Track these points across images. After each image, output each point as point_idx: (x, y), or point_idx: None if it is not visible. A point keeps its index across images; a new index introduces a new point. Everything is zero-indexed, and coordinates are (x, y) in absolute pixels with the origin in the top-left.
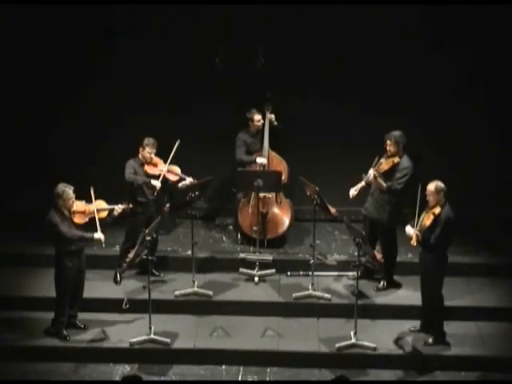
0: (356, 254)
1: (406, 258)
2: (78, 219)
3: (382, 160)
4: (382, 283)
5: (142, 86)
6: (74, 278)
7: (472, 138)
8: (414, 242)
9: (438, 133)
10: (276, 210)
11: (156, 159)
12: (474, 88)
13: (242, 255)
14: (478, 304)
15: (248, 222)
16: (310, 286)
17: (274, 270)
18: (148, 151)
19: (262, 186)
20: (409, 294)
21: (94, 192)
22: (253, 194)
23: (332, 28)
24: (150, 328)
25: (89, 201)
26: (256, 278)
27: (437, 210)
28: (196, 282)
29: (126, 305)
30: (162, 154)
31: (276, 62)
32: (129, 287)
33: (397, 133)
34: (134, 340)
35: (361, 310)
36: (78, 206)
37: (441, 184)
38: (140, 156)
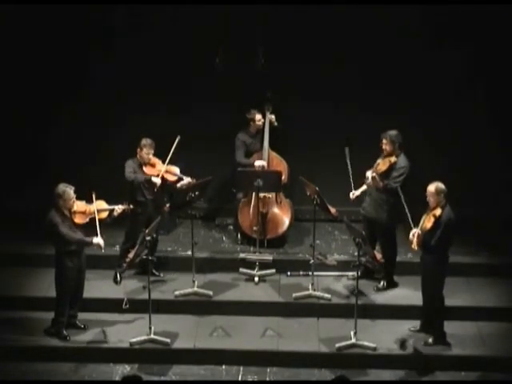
0: (356, 254)
1: (406, 258)
2: (78, 219)
3: (379, 160)
4: (382, 283)
5: (142, 86)
6: (74, 278)
7: (472, 138)
8: (415, 246)
9: (438, 133)
10: (276, 209)
11: (154, 160)
12: (474, 88)
13: (242, 255)
14: (478, 304)
15: (248, 222)
16: (310, 286)
17: (274, 270)
18: (146, 152)
19: (262, 186)
20: (409, 294)
21: (95, 194)
22: (253, 194)
23: (332, 28)
24: (150, 328)
25: (89, 201)
26: (256, 278)
27: (437, 212)
28: (196, 282)
29: (126, 305)
30: (162, 154)
31: (276, 62)
32: (129, 287)
33: (393, 132)
34: (133, 340)
35: (361, 310)
36: (79, 206)
37: (441, 185)
38: (138, 157)
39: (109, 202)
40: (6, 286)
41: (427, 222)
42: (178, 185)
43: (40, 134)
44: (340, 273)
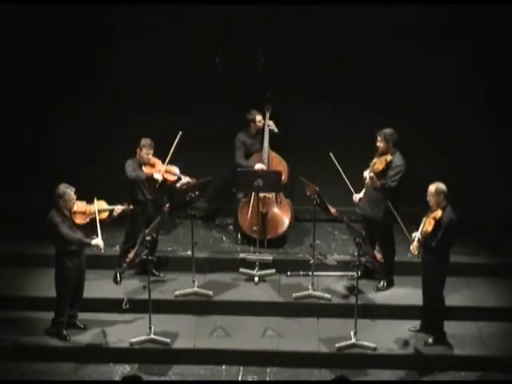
0: (356, 253)
1: (406, 258)
2: (78, 220)
3: (375, 160)
4: (382, 283)
5: (142, 86)
6: (74, 278)
7: (472, 138)
8: (414, 251)
9: (438, 133)
10: (276, 210)
11: (154, 160)
12: (474, 88)
13: (242, 255)
14: (478, 304)
15: (248, 222)
16: (310, 286)
17: (274, 270)
18: (145, 152)
19: (261, 185)
20: (409, 294)
21: (96, 196)
22: (253, 194)
23: (332, 28)
24: (150, 328)
25: (89, 201)
26: (256, 278)
27: (437, 215)
28: (196, 282)
29: (126, 305)
30: (162, 154)
31: (276, 62)
32: (129, 287)
33: (387, 130)
34: (133, 340)
35: (361, 310)
36: (79, 206)
37: (442, 186)
38: (137, 157)
39: (109, 202)
40: (6, 286)
41: (428, 225)
42: (178, 184)
43: (40, 133)
44: (340, 273)
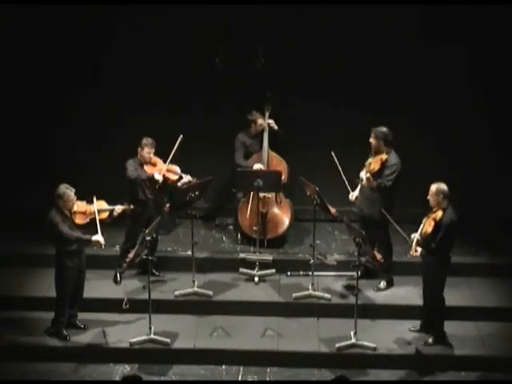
0: (356, 253)
1: (406, 258)
2: (78, 220)
3: (370, 159)
4: (382, 283)
5: (142, 86)
6: (74, 278)
7: (472, 138)
8: (413, 252)
9: (438, 133)
10: (276, 210)
11: (155, 159)
12: (474, 88)
13: (242, 255)
14: (478, 304)
15: (248, 222)
16: (310, 286)
17: (274, 270)
18: (147, 151)
19: (262, 185)
20: (409, 294)
21: (96, 196)
22: (253, 194)
23: (332, 28)
24: (150, 328)
25: (90, 201)
26: (256, 278)
27: (438, 216)
28: (196, 282)
29: (126, 305)
30: (162, 154)
31: (276, 62)
32: (129, 287)
33: (380, 128)
34: (133, 340)
35: (361, 310)
36: (79, 206)
37: (443, 186)
38: (139, 156)
39: (109, 202)
40: (6, 286)
41: (427, 226)
42: (179, 183)
43: (40, 133)
44: (340, 273)
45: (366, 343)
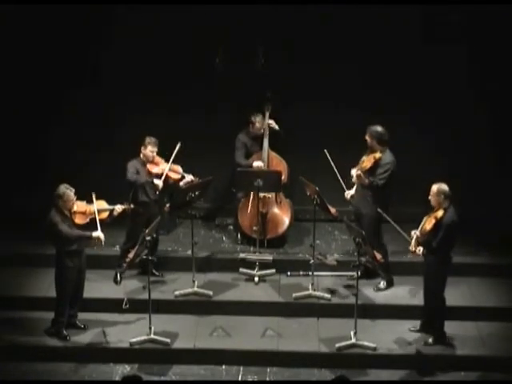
0: (356, 253)
1: (406, 258)
2: (78, 220)
3: (364, 157)
4: (381, 283)
5: (142, 86)
6: (74, 278)
7: (472, 138)
8: (412, 248)
9: (438, 133)
10: (276, 210)
11: (157, 158)
12: (474, 88)
13: (242, 255)
14: (478, 304)
15: (248, 222)
16: (310, 286)
17: (274, 270)
18: (150, 150)
19: (262, 185)
20: (409, 294)
21: (95, 194)
22: (253, 194)
23: (332, 28)
24: (150, 328)
25: (89, 201)
26: (256, 278)
27: (439, 214)
28: (196, 282)
29: (126, 305)
30: (162, 155)
31: (276, 62)
32: (129, 287)
33: (374, 127)
34: (133, 340)
35: (361, 310)
36: (79, 206)
37: (444, 187)
38: (141, 155)
39: (109, 202)
40: (6, 286)
41: (427, 223)
42: (181, 183)
43: (40, 133)
44: (340, 273)
45: (366, 343)
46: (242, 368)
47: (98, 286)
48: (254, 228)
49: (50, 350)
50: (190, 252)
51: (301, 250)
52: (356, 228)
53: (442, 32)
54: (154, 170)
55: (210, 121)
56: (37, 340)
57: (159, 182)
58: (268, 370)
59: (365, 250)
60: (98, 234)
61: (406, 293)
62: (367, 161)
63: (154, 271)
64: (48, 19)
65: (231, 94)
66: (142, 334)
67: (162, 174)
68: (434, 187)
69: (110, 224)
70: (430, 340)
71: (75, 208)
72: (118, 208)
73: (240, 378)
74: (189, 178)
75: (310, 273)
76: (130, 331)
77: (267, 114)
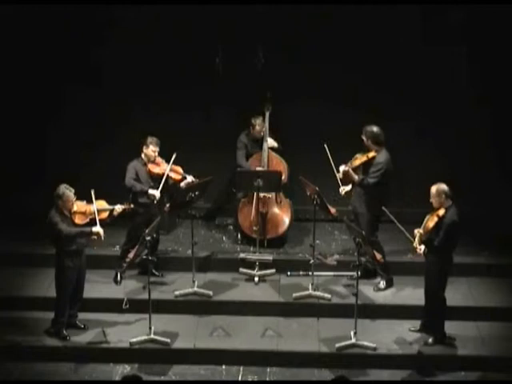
0: (356, 253)
1: (406, 258)
2: (78, 220)
3: (358, 155)
4: (381, 283)
5: (142, 86)
6: (74, 278)
7: (472, 138)
8: (416, 245)
9: (438, 133)
10: (276, 210)
11: (159, 158)
12: (474, 87)
13: (242, 255)
14: (478, 304)
15: (248, 222)
16: (310, 286)
17: (274, 270)
18: (152, 149)
19: (262, 186)
20: (409, 294)
21: (95, 193)
22: (253, 194)
23: (332, 28)
24: (150, 328)
25: (89, 201)
26: (256, 278)
27: (441, 212)
28: (196, 282)
29: (126, 305)
30: (162, 155)
31: (276, 62)
32: (129, 287)
33: (370, 127)
34: (133, 340)
35: (361, 309)
36: (79, 206)
37: (443, 186)
38: (143, 155)
39: (109, 202)
40: (6, 286)
41: (430, 221)
42: (182, 184)
43: (40, 133)
44: (340, 273)
45: (366, 343)
46: (241, 368)
47: (98, 286)
48: (254, 228)
49: (49, 349)
50: (190, 252)
51: (301, 249)
52: (356, 228)
53: (442, 32)
54: (155, 170)
55: (210, 121)
56: (37, 340)
57: (156, 193)
58: (268, 370)
59: (365, 250)
60: (98, 229)
61: (406, 293)
62: (359, 158)
63: (153, 271)
64: (48, 19)
65: (231, 94)
66: (141, 334)
67: (162, 174)
68: (433, 188)
69: (110, 224)
70: (430, 340)
71: (75, 208)
72: (118, 208)
73: (240, 378)
74: (190, 178)
75: (310, 273)
76: (130, 331)
77: (267, 114)
